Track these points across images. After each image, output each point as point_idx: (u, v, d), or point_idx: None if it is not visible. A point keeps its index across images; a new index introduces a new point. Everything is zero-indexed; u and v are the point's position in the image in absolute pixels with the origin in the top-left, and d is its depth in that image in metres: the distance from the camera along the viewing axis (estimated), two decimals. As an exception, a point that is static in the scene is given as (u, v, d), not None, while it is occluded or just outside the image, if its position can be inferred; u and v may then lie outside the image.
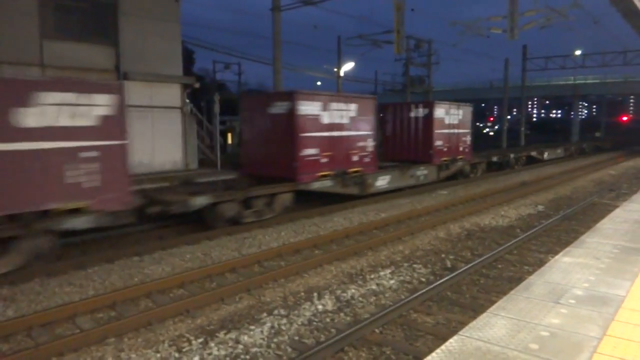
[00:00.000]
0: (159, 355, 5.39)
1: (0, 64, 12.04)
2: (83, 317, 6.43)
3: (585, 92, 62.95)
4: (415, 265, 8.66)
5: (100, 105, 8.51)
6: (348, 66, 28.50)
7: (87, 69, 13.78)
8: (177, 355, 5.39)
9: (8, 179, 7.57)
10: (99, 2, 14.28)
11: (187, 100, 17.62)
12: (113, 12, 14.32)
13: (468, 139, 20.28)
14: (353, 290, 7.34)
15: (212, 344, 5.58)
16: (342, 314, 6.49)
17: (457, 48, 25.52)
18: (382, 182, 15.43)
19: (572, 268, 4.82)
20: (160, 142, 15.25)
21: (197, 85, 16.60)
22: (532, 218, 13.00)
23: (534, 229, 11.09)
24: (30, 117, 7.69)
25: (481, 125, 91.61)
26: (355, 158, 14.14)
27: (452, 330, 5.68)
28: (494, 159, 23.84)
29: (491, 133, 78.83)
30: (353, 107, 14.06)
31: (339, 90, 27.70)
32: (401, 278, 7.97)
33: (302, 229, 11.39)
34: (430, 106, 17.95)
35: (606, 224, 7.01)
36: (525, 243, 10.15)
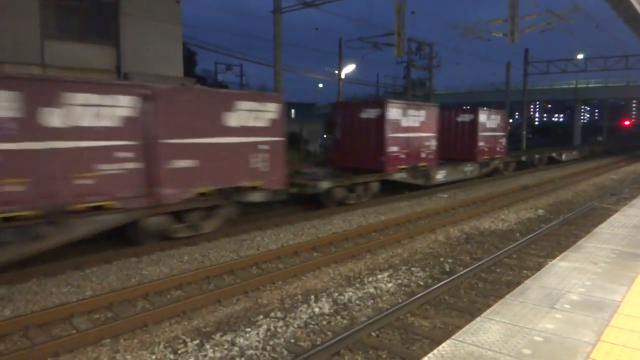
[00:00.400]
0: (154, 356, 5.38)
1: (0, 64, 12.07)
2: (80, 317, 6.43)
3: (587, 96, 62.93)
4: (413, 269, 8.65)
5: (271, 111, 11.67)
6: (349, 68, 28.53)
7: (88, 69, 13.80)
8: (172, 356, 5.38)
9: (219, 164, 10.58)
10: (100, 3, 14.32)
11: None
12: (114, 13, 14.35)
13: (503, 140, 23.39)
14: (350, 293, 7.32)
15: (208, 346, 5.57)
16: (338, 317, 6.47)
17: (458, 51, 25.51)
18: (441, 175, 18.49)
19: (568, 273, 4.81)
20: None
21: (197, 86, 16.61)
22: (532, 222, 12.98)
23: (533, 233, 11.06)
24: (232, 119, 10.81)
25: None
26: (423, 155, 17.30)
27: (449, 334, 5.66)
28: (523, 158, 27.37)
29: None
30: (423, 113, 17.20)
31: (339, 92, 27.72)
32: (399, 281, 7.96)
33: (301, 232, 11.38)
34: (475, 112, 21.09)
35: (604, 229, 6.99)
36: (525, 247, 10.12)
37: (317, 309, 6.69)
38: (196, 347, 5.57)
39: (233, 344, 5.63)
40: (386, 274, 8.32)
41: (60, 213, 8.16)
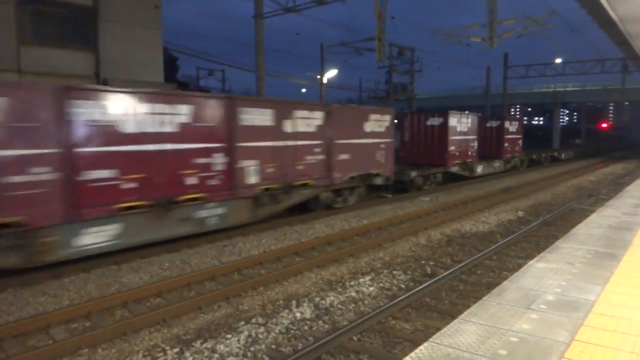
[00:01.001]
0: (133, 365, 5.31)
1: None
2: (57, 327, 6.32)
3: (566, 99, 64.03)
4: (395, 272, 8.68)
5: (387, 120, 16.24)
6: (331, 73, 28.62)
7: (66, 75, 13.61)
8: (151, 365, 5.31)
9: (360, 157, 15.02)
10: (78, 8, 14.14)
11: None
12: (92, 18, 14.18)
13: (520, 142, 29.12)
14: (332, 298, 7.32)
15: (188, 354, 5.51)
16: (320, 322, 6.46)
17: (439, 56, 25.81)
18: (479, 169, 23.84)
19: (545, 273, 4.87)
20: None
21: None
22: (512, 224, 13.13)
23: (513, 235, 11.19)
24: (367, 126, 15.33)
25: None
26: (469, 153, 22.56)
27: (430, 336, 5.68)
28: (534, 157, 32.63)
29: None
30: (470, 120, 22.54)
31: (322, 97, 27.77)
32: (381, 285, 7.98)
33: (284, 236, 11.35)
34: (501, 120, 26.87)
35: (581, 230, 7.10)
36: (505, 249, 10.24)
37: (298, 314, 6.67)
38: (176, 355, 5.51)
39: (213, 351, 5.58)
40: (368, 277, 8.33)
41: (289, 187, 12.43)
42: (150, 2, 15.62)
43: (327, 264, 9.15)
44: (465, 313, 3.81)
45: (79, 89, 8.39)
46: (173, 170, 9.72)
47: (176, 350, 5.63)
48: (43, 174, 7.77)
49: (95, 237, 8.66)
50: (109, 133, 8.66)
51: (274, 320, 6.47)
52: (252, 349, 5.64)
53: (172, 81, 26.38)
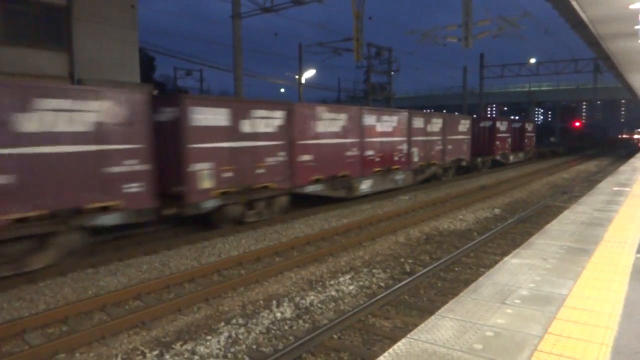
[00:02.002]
0: (111, 369, 5.25)
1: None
2: (33, 332, 6.21)
3: (540, 98, 65.37)
4: (374, 270, 8.75)
5: (467, 124, 23.27)
6: (309, 73, 28.65)
7: (39, 75, 13.36)
8: (130, 368, 5.26)
9: (460, 147, 22.53)
10: (51, 7, 13.88)
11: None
12: (66, 18, 13.93)
13: (534, 138, 37.91)
14: (312, 297, 7.35)
15: (168, 356, 5.49)
16: (300, 321, 6.49)
17: (416, 56, 26.05)
18: (512, 158, 32.17)
19: (519, 269, 4.99)
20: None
21: (155, 92, 16.35)
22: (489, 221, 13.36)
23: (490, 232, 11.39)
24: (460, 127, 22.42)
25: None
26: (506, 146, 30.88)
27: (409, 333, 5.77)
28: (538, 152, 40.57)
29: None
30: (507, 122, 31.27)
31: (300, 97, 27.79)
32: (360, 283, 8.04)
33: (263, 237, 11.34)
34: (522, 122, 35.58)
35: (555, 226, 7.28)
36: (482, 246, 10.42)
37: (279, 314, 6.68)
38: (155, 358, 5.47)
39: (193, 352, 5.56)
40: (348, 276, 8.39)
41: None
42: (126, 1, 15.43)
43: (307, 263, 9.18)
44: (442, 309, 3.89)
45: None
46: (390, 152, 18.02)
47: (155, 352, 5.59)
48: (357, 153, 16.11)
49: (365, 185, 16.63)
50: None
51: (254, 320, 6.47)
52: (232, 349, 5.64)
53: (149, 81, 26.07)
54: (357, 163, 16.14)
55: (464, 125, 24.00)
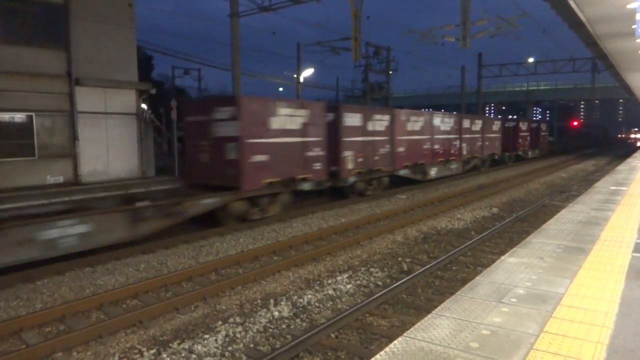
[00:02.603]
0: (108, 368, 5.25)
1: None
2: (30, 331, 6.21)
3: (538, 98, 65.37)
4: (372, 269, 8.76)
5: (497, 124, 30.02)
6: (308, 72, 28.64)
7: (37, 74, 13.31)
8: (127, 367, 5.26)
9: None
10: (48, 6, 13.82)
11: (144, 107, 17.28)
12: (64, 16, 13.87)
13: (547, 137, 44.35)
14: (310, 296, 7.36)
15: (165, 355, 5.48)
16: (298, 320, 6.49)
17: (415, 55, 26.08)
18: (530, 153, 37.17)
19: (516, 268, 5.00)
20: (115, 149, 14.89)
21: (153, 91, 16.29)
22: (487, 220, 13.38)
23: (487, 231, 11.41)
24: (494, 128, 29.07)
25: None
26: (526, 143, 36.23)
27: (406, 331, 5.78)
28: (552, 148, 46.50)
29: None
30: (526, 124, 36.24)
31: (298, 95, 27.78)
32: (358, 282, 8.05)
33: (261, 236, 11.34)
34: (539, 123, 41.43)
35: (551, 225, 7.29)
36: (479, 245, 10.43)
37: (276, 313, 6.69)
38: (153, 357, 5.47)
39: (191, 351, 5.56)
40: (345, 275, 8.40)
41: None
42: (124, 0, 15.38)
43: (304, 262, 9.18)
44: (439, 308, 3.90)
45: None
46: (448, 147, 23.21)
47: (153, 351, 5.59)
48: (429, 147, 21.26)
49: (433, 171, 20.97)
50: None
51: (251, 319, 6.48)
52: (229, 348, 5.64)
53: (147, 80, 26.02)
54: (429, 154, 21.44)
55: (496, 125, 30.25)
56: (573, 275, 4.74)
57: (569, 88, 60.42)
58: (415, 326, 3.53)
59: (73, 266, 8.80)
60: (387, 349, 3.17)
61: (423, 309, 6.76)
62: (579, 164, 34.93)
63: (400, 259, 9.52)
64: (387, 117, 18.23)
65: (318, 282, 8.06)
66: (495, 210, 14.94)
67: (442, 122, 22.64)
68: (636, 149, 51.75)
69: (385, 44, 31.92)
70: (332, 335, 5.97)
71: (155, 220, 10.27)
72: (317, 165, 14.58)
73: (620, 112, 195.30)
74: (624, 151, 52.71)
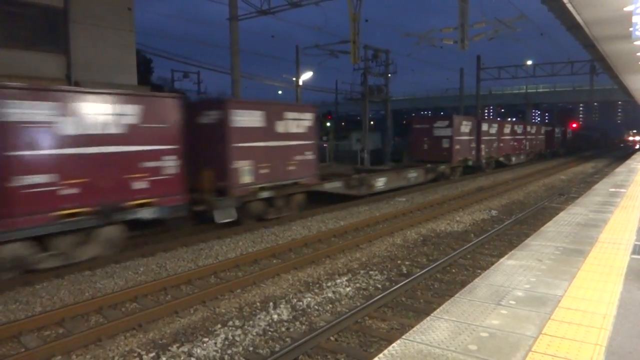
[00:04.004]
0: (108, 371, 5.25)
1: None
2: (29, 335, 6.21)
3: (537, 100, 65.45)
4: (371, 272, 8.77)
5: (521, 126, 36.81)
6: (306, 75, 28.68)
7: (36, 78, 13.35)
8: (127, 371, 5.26)
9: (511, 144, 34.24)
10: (48, 10, 13.87)
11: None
12: (63, 20, 13.93)
13: (559, 139, 49.59)
14: (309, 299, 7.36)
15: (164, 358, 5.49)
16: (297, 323, 6.49)
17: (413, 58, 26.13)
18: (544, 153, 42.47)
19: (515, 270, 5.01)
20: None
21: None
22: (486, 223, 13.39)
23: (487, 234, 11.42)
24: (519, 130, 35.26)
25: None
26: (543, 144, 43.27)
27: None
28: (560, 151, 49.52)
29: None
30: (543, 128, 44.24)
31: (297, 98, 27.81)
32: (357, 285, 8.05)
33: (261, 239, 11.34)
34: (552, 126, 47.94)
35: (550, 227, 7.30)
36: (479, 247, 10.44)
37: (275, 316, 6.69)
38: (152, 360, 5.47)
39: (190, 354, 5.56)
40: (345, 278, 8.40)
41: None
42: (123, 4, 15.43)
43: (304, 265, 9.19)
44: (438, 310, 3.90)
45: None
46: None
47: (152, 354, 5.59)
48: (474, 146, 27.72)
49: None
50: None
51: (251, 322, 6.48)
52: (229, 351, 5.64)
53: (146, 83, 26.06)
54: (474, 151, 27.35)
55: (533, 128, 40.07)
56: (572, 278, 4.75)
57: (568, 90, 60.55)
58: (414, 329, 3.53)
59: (72, 269, 8.79)
60: (385, 351, 3.17)
61: (422, 312, 6.77)
62: (578, 166, 34.97)
63: (399, 261, 9.53)
64: (470, 124, 23.56)
65: (317, 285, 8.06)
66: (494, 212, 14.95)
67: (490, 126, 29.73)
68: (634, 151, 51.86)
69: (384, 47, 32.00)
70: (332, 338, 5.97)
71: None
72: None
73: (619, 114, 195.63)
74: (623, 153, 52.80)
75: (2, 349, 5.88)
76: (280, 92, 47.01)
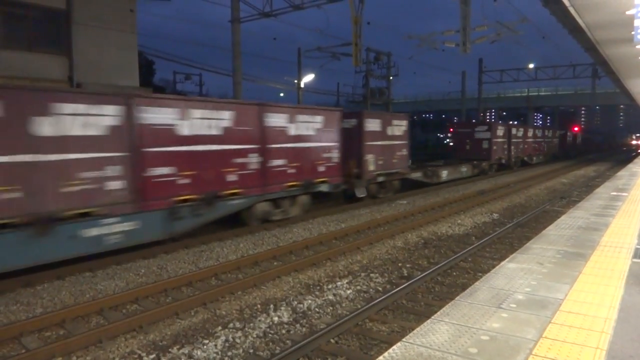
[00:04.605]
0: (108, 373, 5.25)
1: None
2: (29, 336, 6.21)
3: (539, 103, 65.43)
4: (372, 275, 8.76)
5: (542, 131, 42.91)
6: (308, 78, 28.72)
7: (39, 79, 13.38)
8: (127, 372, 5.26)
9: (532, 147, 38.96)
10: (50, 11, 13.92)
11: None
12: (66, 22, 13.98)
13: (569, 142, 53.03)
14: (310, 301, 7.35)
15: (164, 360, 5.48)
16: (298, 325, 6.49)
17: (415, 61, 26.14)
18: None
19: (516, 273, 5.00)
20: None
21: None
22: (487, 226, 13.37)
23: (488, 237, 11.40)
24: (537, 134, 40.58)
25: (441, 135, 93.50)
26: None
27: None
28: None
29: (451, 143, 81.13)
30: (550, 132, 45.20)
31: (299, 101, 27.84)
32: (358, 287, 8.05)
33: (262, 241, 11.34)
34: (565, 128, 56.37)
35: (552, 231, 7.29)
36: (480, 250, 10.43)
37: (276, 318, 6.69)
38: (152, 362, 5.47)
39: (190, 356, 5.56)
40: (345, 280, 8.40)
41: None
42: (125, 6, 15.48)
43: (305, 267, 9.18)
44: (438, 313, 3.90)
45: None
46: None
47: (152, 356, 5.59)
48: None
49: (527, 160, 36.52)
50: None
51: (251, 324, 6.48)
52: (229, 353, 5.64)
53: (148, 85, 26.11)
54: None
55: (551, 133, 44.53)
56: (573, 281, 4.74)
57: (570, 94, 60.52)
58: (415, 331, 3.53)
59: (73, 271, 8.80)
60: (386, 354, 3.17)
61: (423, 315, 6.76)
62: (579, 169, 34.92)
63: (400, 264, 9.52)
64: (503, 129, 29.57)
65: (318, 288, 8.05)
66: (495, 215, 14.93)
67: (518, 131, 34.93)
68: (637, 155, 51.80)
69: (386, 50, 32.03)
70: (332, 340, 5.97)
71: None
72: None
73: (621, 117, 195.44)
74: (625, 156, 52.75)
75: (3, 350, 5.88)
76: (282, 94, 47.04)
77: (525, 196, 19.41)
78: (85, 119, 8.69)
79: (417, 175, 21.17)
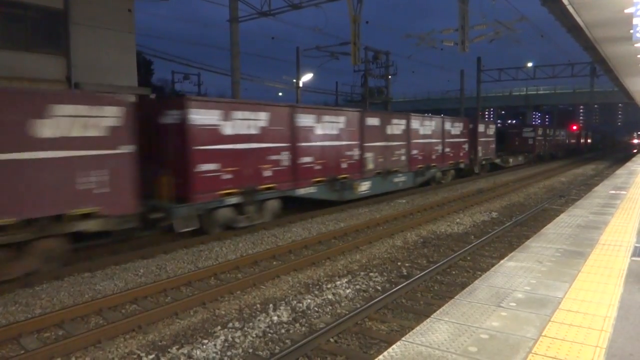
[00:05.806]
0: (107, 373, 5.24)
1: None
2: (28, 337, 6.20)
3: (538, 102, 65.48)
4: (371, 274, 8.75)
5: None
6: (307, 77, 28.69)
7: (37, 80, 13.34)
8: (126, 372, 5.25)
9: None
10: (48, 11, 13.88)
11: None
12: (64, 22, 13.94)
13: (580, 140, 60.59)
14: (309, 301, 7.35)
15: (164, 360, 5.47)
16: (297, 325, 6.48)
17: (414, 60, 26.12)
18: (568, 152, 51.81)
19: (515, 272, 5.00)
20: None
21: (152, 96, 16.35)
22: (486, 225, 13.37)
23: (487, 236, 11.40)
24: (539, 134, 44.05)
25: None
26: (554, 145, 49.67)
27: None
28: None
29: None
30: (563, 132, 52.19)
31: (298, 100, 27.80)
32: (357, 287, 8.04)
33: (261, 240, 11.33)
34: (581, 128, 66.04)
35: (551, 229, 7.29)
36: (479, 249, 10.43)
37: (275, 318, 6.68)
38: (151, 362, 5.46)
39: (190, 356, 5.55)
40: (345, 280, 8.39)
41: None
42: (123, 6, 15.45)
43: (304, 267, 9.18)
44: (438, 312, 3.89)
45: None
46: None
47: (152, 356, 5.58)
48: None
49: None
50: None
51: (250, 324, 6.47)
52: (228, 353, 5.63)
53: (146, 85, 26.08)
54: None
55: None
56: (572, 280, 4.74)
57: (568, 92, 60.58)
58: (414, 330, 3.53)
59: (72, 271, 8.79)
60: (385, 353, 3.17)
61: (422, 314, 6.76)
62: (578, 168, 34.95)
63: (399, 263, 9.52)
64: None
65: (317, 287, 8.05)
66: (494, 214, 14.93)
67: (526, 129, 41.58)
68: (635, 153, 51.93)
69: (385, 49, 32.02)
70: (331, 339, 5.96)
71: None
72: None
73: (620, 116, 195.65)
74: (623, 155, 52.83)
75: (2, 350, 5.87)
76: (280, 93, 47.00)
77: (524, 195, 19.42)
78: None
79: (497, 160, 31.18)
